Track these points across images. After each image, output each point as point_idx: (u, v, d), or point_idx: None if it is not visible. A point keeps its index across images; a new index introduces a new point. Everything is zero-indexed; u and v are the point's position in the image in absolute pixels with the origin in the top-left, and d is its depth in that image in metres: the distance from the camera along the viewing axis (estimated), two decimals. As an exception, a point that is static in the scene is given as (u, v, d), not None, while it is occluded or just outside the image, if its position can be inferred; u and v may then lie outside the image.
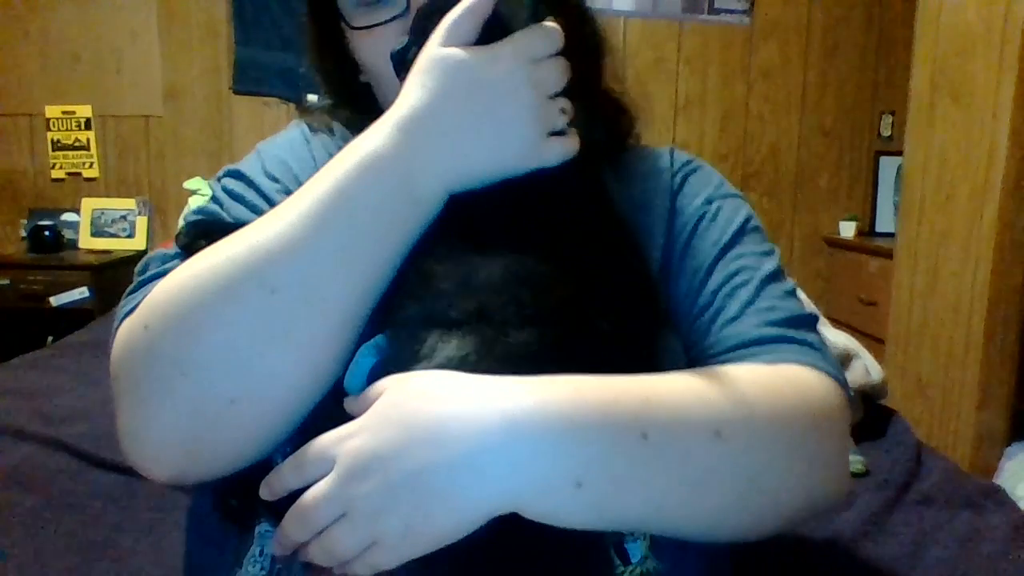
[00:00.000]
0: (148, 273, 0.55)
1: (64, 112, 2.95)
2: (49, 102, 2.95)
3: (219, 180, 0.65)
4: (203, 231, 0.54)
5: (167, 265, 0.54)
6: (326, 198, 0.47)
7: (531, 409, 0.41)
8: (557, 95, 0.50)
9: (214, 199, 0.62)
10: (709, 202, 0.64)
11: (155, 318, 0.47)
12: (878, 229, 3.19)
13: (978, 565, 0.84)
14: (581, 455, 0.41)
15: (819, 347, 0.55)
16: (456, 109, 0.48)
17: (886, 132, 3.24)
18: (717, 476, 0.45)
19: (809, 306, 1.12)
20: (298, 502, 0.43)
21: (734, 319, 0.56)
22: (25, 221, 2.94)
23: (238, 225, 0.50)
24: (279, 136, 0.68)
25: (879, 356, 1.57)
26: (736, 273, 0.59)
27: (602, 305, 0.48)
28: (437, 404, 0.41)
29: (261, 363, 0.46)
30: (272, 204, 0.57)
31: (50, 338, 2.53)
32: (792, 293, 0.59)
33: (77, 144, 2.97)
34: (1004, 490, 1.06)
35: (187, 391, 0.46)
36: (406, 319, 0.47)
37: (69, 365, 1.83)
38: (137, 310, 0.49)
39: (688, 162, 0.69)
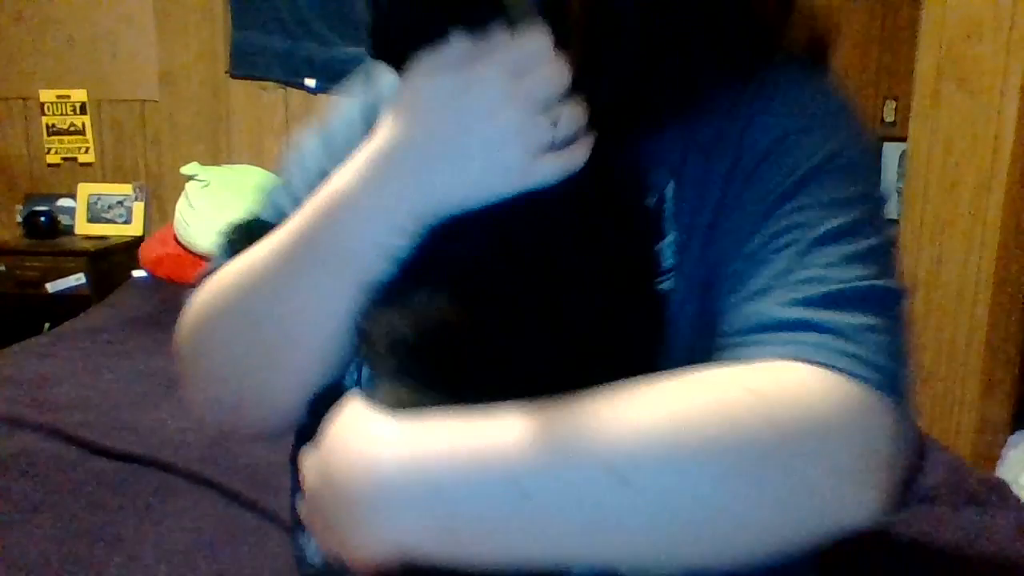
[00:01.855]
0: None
1: (59, 96, 2.92)
2: (43, 86, 2.92)
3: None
4: (243, 235, 0.58)
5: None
6: (296, 239, 0.50)
7: (397, 466, 0.41)
8: (555, 104, 0.45)
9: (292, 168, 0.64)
10: (783, 136, 0.48)
11: (180, 333, 0.56)
12: (880, 216, 3.18)
13: (982, 564, 0.83)
14: (451, 516, 0.39)
15: (857, 336, 0.41)
16: (427, 140, 0.46)
17: (889, 118, 3.22)
18: (622, 525, 0.38)
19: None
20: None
21: (759, 293, 0.44)
22: (21, 207, 2.92)
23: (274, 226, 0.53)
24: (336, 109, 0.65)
25: (882, 345, 1.56)
26: (784, 232, 0.45)
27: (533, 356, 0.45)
28: (337, 454, 0.44)
29: (255, 378, 0.53)
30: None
31: (47, 325, 2.52)
32: (865, 256, 0.44)
33: (72, 129, 2.94)
34: (1008, 485, 1.06)
35: (202, 392, 0.57)
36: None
37: (66, 352, 1.83)
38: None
39: (782, 82, 0.52)
